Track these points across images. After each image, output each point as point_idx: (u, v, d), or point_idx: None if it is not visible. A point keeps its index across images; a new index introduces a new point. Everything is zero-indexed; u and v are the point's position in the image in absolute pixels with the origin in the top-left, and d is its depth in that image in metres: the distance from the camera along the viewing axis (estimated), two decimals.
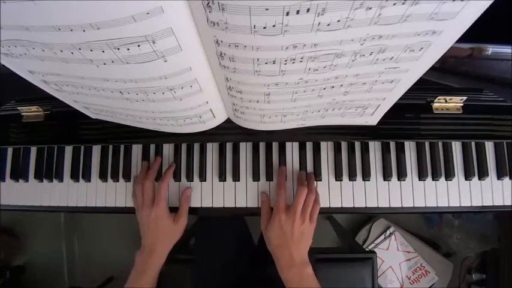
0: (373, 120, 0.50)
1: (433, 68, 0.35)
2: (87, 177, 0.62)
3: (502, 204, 0.57)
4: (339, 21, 0.26)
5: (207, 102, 0.43)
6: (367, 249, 1.19)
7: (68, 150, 0.64)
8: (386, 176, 0.58)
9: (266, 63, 0.32)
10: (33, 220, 1.39)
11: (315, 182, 0.58)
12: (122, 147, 0.62)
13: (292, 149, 0.60)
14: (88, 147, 0.63)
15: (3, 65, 0.36)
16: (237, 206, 0.57)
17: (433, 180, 0.58)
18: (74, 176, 0.62)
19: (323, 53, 0.31)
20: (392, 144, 0.59)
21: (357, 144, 0.59)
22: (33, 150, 0.65)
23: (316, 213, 0.54)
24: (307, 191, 0.53)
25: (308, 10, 0.24)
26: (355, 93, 0.41)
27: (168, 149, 0.61)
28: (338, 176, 0.58)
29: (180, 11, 0.27)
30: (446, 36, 0.29)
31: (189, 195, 0.57)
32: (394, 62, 0.34)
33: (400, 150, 0.58)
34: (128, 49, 0.30)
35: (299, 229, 0.50)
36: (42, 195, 0.63)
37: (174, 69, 0.34)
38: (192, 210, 0.60)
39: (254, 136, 0.55)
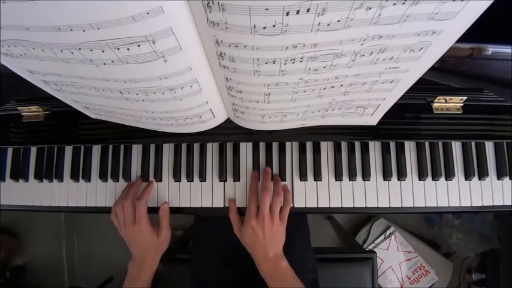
0: (373, 120, 0.50)
1: (433, 68, 0.35)
2: (87, 177, 0.62)
3: (502, 204, 0.57)
4: (339, 21, 0.26)
5: (207, 102, 0.43)
6: (367, 249, 1.19)
7: (68, 150, 0.64)
8: (387, 176, 0.58)
9: (266, 63, 0.32)
10: (33, 220, 1.39)
11: (315, 182, 0.58)
12: (122, 147, 0.62)
13: (292, 149, 0.60)
14: (88, 147, 0.63)
15: (3, 65, 0.36)
16: (236, 206, 0.58)
17: (433, 180, 0.58)
18: (74, 176, 0.62)
19: (323, 53, 0.31)
20: (392, 144, 0.59)
21: (357, 144, 0.59)
22: (33, 150, 0.65)
23: (286, 213, 0.55)
24: (274, 194, 0.55)
25: (308, 10, 0.24)
26: (355, 93, 0.41)
27: (168, 149, 0.61)
28: (338, 176, 0.58)
29: (180, 11, 0.27)
30: (446, 36, 0.29)
31: (166, 209, 0.58)
32: (394, 62, 0.34)
33: (400, 150, 0.58)
34: (128, 49, 0.30)
35: (270, 231, 0.53)
36: (42, 195, 0.63)
37: (174, 69, 0.34)
38: (192, 210, 0.60)
39: (254, 136, 0.55)
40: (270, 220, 0.53)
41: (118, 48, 0.30)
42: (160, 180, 0.61)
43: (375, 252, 0.77)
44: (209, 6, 0.25)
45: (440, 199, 0.57)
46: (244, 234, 0.54)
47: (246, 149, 0.60)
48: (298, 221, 0.69)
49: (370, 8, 0.25)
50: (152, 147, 0.62)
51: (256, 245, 0.53)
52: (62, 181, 0.63)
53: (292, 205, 0.58)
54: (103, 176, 0.61)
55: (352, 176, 0.58)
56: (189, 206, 0.60)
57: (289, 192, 0.57)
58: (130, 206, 0.55)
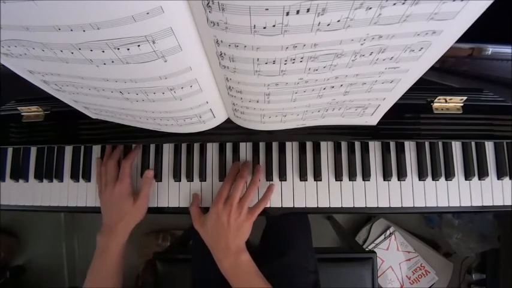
0: (373, 120, 0.50)
1: (433, 68, 0.35)
2: (87, 177, 0.62)
3: (502, 204, 0.57)
4: (339, 21, 0.26)
5: (207, 102, 0.43)
6: (367, 249, 1.19)
7: (68, 150, 0.64)
8: (387, 176, 0.58)
9: (266, 63, 0.32)
10: (33, 220, 1.39)
11: (315, 182, 0.58)
12: (122, 147, 0.62)
13: (292, 149, 0.60)
14: (88, 147, 0.63)
15: (3, 65, 0.36)
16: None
17: (433, 180, 0.58)
18: (74, 176, 0.62)
19: (323, 53, 0.31)
20: (392, 144, 0.59)
21: (357, 144, 0.59)
22: (33, 150, 0.65)
23: (259, 208, 0.53)
24: (250, 183, 0.54)
25: (308, 10, 0.24)
26: (355, 93, 0.41)
27: (168, 149, 0.61)
28: (338, 176, 0.58)
29: (180, 11, 0.27)
30: (446, 36, 0.29)
31: (150, 177, 0.56)
32: (394, 62, 0.34)
33: (400, 150, 0.58)
34: (128, 49, 0.30)
35: (235, 221, 0.50)
36: (43, 195, 0.63)
37: (174, 69, 0.34)
38: None
39: (254, 136, 0.55)
40: (237, 209, 0.51)
41: (118, 48, 0.30)
42: (160, 180, 0.61)
43: (375, 252, 0.77)
44: (209, 6, 0.25)
45: (440, 199, 0.57)
46: (208, 221, 0.52)
47: (246, 149, 0.60)
48: (300, 221, 0.69)
49: (370, 8, 0.25)
50: (152, 147, 0.62)
51: (218, 235, 0.50)
52: (62, 181, 0.63)
53: (292, 205, 0.58)
54: None
55: (352, 176, 0.58)
56: (188, 205, 0.60)
57: (271, 191, 0.56)
58: (115, 166, 0.56)
